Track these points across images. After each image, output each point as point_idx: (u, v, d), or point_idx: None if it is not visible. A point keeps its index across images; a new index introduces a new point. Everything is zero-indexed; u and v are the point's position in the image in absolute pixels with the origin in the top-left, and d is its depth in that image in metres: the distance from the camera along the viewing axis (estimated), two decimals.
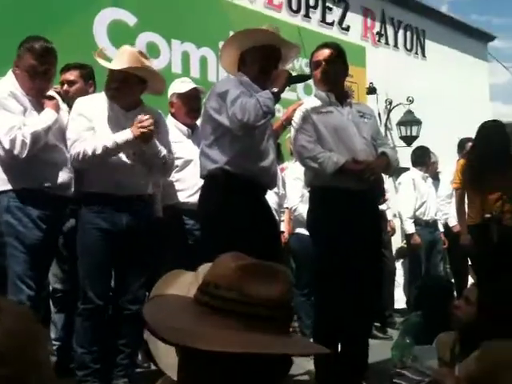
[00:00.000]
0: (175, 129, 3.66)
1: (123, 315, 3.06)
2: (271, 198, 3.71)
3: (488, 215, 4.41)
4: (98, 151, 2.93)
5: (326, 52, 3.30)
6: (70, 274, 3.26)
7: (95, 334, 3.00)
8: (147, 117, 2.98)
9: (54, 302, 3.50)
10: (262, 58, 2.96)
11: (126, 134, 2.96)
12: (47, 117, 2.99)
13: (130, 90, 3.10)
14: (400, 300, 6.34)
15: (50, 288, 3.49)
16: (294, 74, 3.14)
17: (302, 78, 3.54)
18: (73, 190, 3.13)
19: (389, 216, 5.86)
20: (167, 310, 1.04)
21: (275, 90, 2.79)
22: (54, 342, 3.48)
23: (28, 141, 2.86)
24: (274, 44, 2.98)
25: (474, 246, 4.56)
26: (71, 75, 3.51)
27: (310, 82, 3.57)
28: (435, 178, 6.29)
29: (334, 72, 3.30)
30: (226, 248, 2.64)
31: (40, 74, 3.00)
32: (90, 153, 2.94)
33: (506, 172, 4.40)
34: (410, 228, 5.85)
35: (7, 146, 2.85)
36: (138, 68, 3.06)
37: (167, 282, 1.38)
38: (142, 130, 2.94)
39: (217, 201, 2.90)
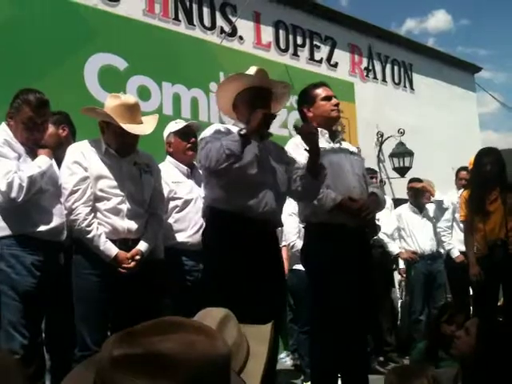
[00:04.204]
0: (175, 169, 3.67)
1: None
2: None
3: (493, 240, 4.40)
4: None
5: (331, 93, 3.40)
6: (64, 320, 3.20)
7: None
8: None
9: (47, 349, 3.42)
10: (249, 101, 2.97)
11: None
12: (42, 162, 3.01)
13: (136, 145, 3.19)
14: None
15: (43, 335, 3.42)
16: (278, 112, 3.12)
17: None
18: (65, 235, 3.11)
19: None
20: None
21: (243, 131, 2.73)
22: None
23: (25, 184, 2.86)
24: (260, 85, 2.99)
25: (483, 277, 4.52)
26: None
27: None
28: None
29: None
30: (222, 289, 2.63)
31: (37, 126, 3.05)
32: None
33: (502, 192, 4.41)
34: (395, 248, 5.83)
35: (4, 189, 2.84)
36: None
37: None
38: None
39: (210, 238, 2.90)
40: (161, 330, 0.85)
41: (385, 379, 2.17)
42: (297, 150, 3.26)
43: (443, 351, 3.40)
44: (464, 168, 6.05)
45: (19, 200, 2.87)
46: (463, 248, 5.33)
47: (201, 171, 3.08)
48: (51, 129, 3.48)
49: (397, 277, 6.37)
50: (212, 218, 2.93)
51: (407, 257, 5.91)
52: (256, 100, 2.95)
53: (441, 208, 5.95)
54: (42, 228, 2.99)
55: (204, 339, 0.84)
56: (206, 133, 2.94)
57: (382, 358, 5.43)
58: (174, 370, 0.79)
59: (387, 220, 5.89)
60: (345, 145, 3.48)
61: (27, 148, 3.06)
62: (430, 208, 6.13)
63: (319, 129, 3.31)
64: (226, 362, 0.88)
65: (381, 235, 5.75)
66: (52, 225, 3.03)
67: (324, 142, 3.30)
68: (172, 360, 0.80)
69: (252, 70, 3.07)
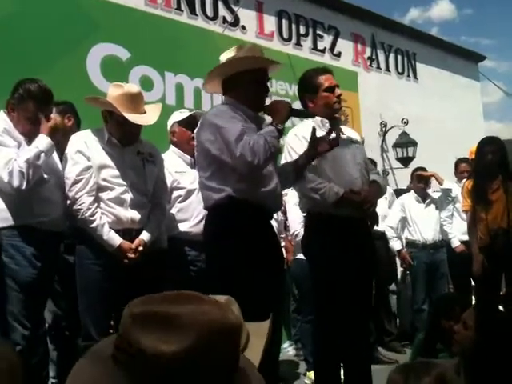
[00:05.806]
0: (179, 159, 3.66)
1: None
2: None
3: (495, 229, 4.38)
4: None
5: (334, 81, 3.31)
6: (67, 311, 3.21)
7: None
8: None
9: (51, 339, 3.44)
10: (252, 83, 2.89)
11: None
12: (39, 142, 2.93)
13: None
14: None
15: (46, 325, 3.44)
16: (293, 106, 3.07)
17: (302, 114, 3.30)
18: (67, 224, 3.10)
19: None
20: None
21: (280, 126, 2.72)
22: (52, 380, 3.41)
23: (24, 170, 2.82)
24: (259, 67, 2.92)
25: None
26: None
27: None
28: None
29: None
30: (234, 277, 2.63)
31: (40, 120, 3.01)
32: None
33: (504, 182, 4.40)
34: (397, 245, 5.87)
35: (7, 179, 2.83)
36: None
37: None
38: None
39: (227, 229, 2.77)
40: (179, 299, 0.92)
41: (388, 379, 2.13)
42: (296, 141, 3.24)
43: (442, 345, 3.39)
44: (463, 160, 6.03)
45: (23, 188, 2.83)
46: (463, 237, 5.34)
47: (196, 160, 3.02)
48: (58, 118, 3.48)
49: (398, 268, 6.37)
50: (232, 208, 2.78)
51: (404, 259, 5.94)
52: (259, 82, 2.91)
53: (448, 196, 5.93)
54: (43, 218, 2.98)
55: (217, 310, 0.92)
56: (220, 116, 2.81)
57: (382, 348, 5.44)
58: (186, 331, 0.86)
59: (391, 212, 5.91)
60: (346, 132, 3.40)
61: (26, 138, 3.03)
62: (435, 197, 6.12)
63: (320, 118, 3.28)
64: (237, 333, 0.94)
65: (386, 229, 5.75)
66: (53, 215, 3.01)
67: (324, 131, 3.25)
68: (184, 321, 0.87)
69: (244, 50, 2.95)
